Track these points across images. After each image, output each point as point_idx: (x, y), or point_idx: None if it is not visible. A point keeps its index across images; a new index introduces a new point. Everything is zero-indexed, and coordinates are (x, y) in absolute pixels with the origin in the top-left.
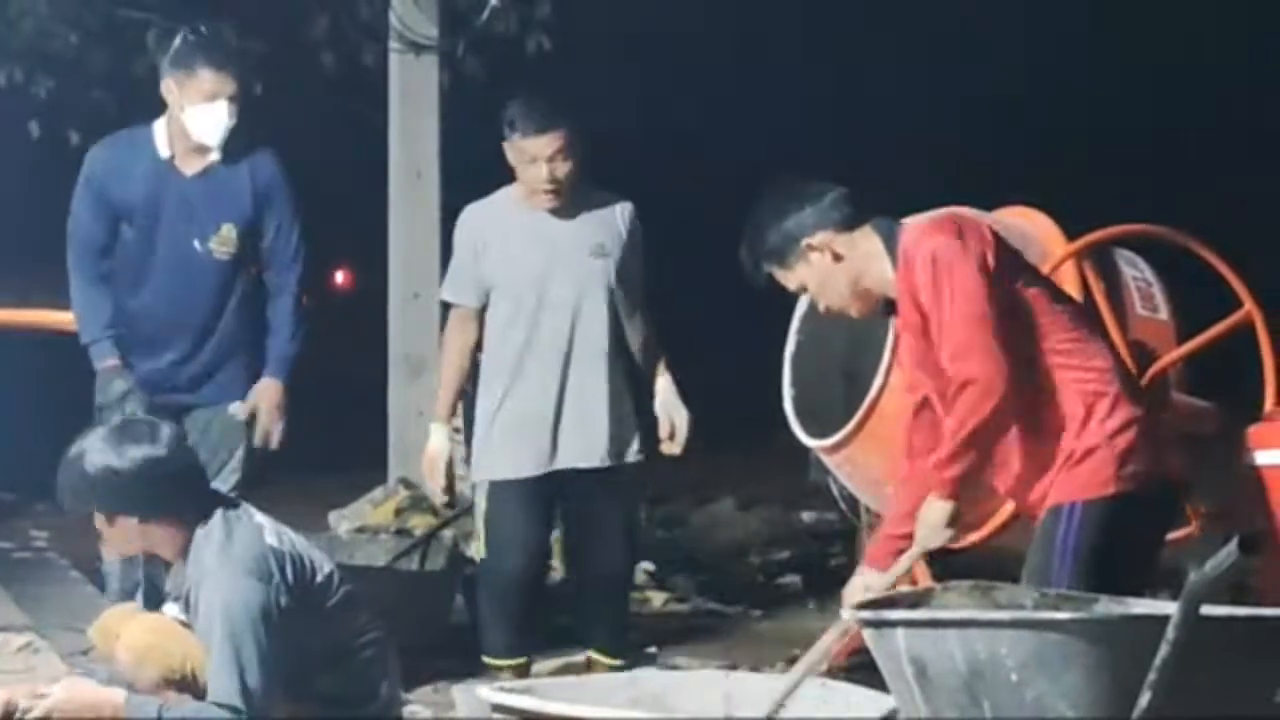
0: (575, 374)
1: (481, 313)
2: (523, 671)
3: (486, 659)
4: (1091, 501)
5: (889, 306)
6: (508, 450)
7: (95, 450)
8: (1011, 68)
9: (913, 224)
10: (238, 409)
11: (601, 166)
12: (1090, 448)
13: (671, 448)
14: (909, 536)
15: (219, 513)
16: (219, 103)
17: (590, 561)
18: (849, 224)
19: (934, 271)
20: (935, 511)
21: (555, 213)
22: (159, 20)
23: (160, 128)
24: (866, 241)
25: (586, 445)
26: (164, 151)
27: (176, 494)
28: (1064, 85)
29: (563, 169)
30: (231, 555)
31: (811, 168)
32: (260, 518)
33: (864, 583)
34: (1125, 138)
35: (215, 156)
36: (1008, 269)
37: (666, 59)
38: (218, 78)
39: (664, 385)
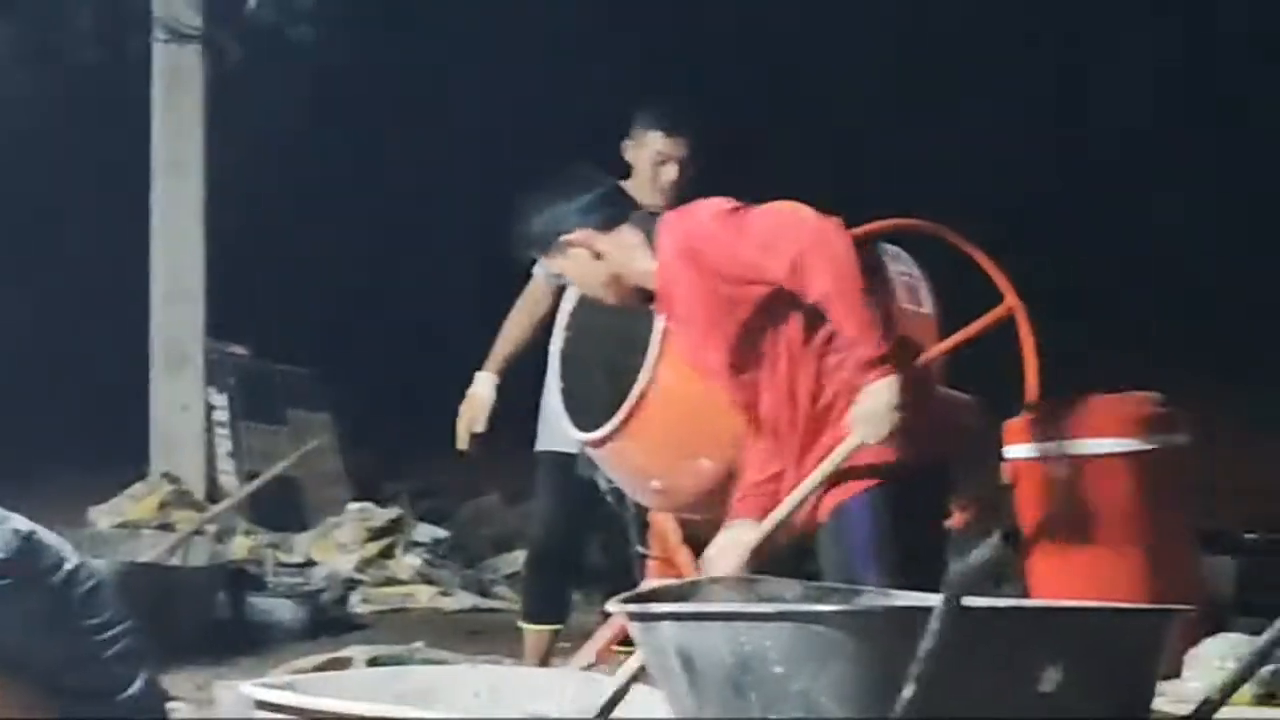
0: None
1: (562, 291)
2: (548, 638)
3: (520, 623)
4: (873, 489)
5: (647, 296)
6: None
7: None
8: None
9: (673, 215)
10: None
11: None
12: None
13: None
14: (776, 478)
15: None
16: None
17: None
18: (610, 224)
19: (717, 234)
20: (882, 391)
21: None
22: None
23: None
24: (628, 236)
25: None
26: None
27: None
28: None
29: (675, 172)
30: None
31: None
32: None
33: (737, 536)
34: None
35: None
36: None
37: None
38: None
39: None
